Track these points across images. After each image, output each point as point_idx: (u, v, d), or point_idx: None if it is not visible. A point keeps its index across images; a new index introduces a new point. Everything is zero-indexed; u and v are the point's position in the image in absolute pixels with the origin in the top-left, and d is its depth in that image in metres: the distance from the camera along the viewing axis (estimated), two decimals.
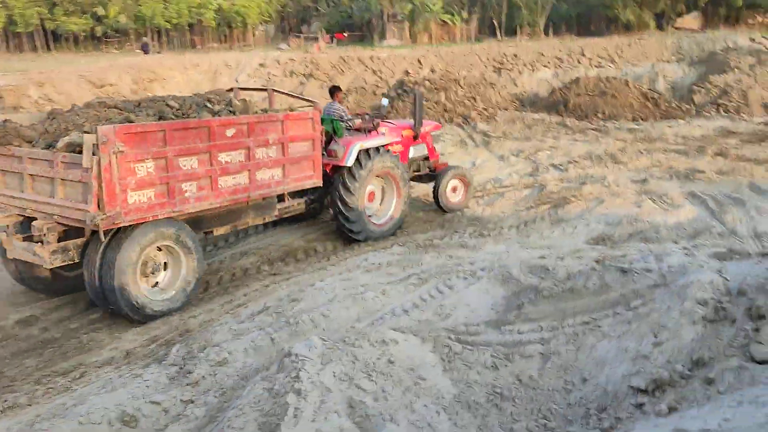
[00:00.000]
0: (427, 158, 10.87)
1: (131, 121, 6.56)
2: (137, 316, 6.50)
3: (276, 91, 9.61)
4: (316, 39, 65.61)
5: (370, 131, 9.58)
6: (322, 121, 8.75)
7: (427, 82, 21.17)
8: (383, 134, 9.67)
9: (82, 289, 6.81)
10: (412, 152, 10.45)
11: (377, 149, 9.27)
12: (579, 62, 25.04)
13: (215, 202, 7.07)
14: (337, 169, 8.96)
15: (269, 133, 7.55)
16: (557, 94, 21.09)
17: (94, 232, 6.19)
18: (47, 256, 6.24)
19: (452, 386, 4.42)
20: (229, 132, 7.07)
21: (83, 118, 6.80)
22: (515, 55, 25.58)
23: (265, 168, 7.58)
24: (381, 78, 25.06)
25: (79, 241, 6.52)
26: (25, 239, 6.69)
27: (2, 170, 6.87)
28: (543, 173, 13.40)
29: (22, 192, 6.66)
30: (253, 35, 74.33)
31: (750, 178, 12.20)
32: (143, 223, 6.42)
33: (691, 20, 62.58)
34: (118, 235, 6.37)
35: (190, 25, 67.37)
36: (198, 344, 5.49)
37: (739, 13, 61.43)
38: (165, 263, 6.92)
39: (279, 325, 5.77)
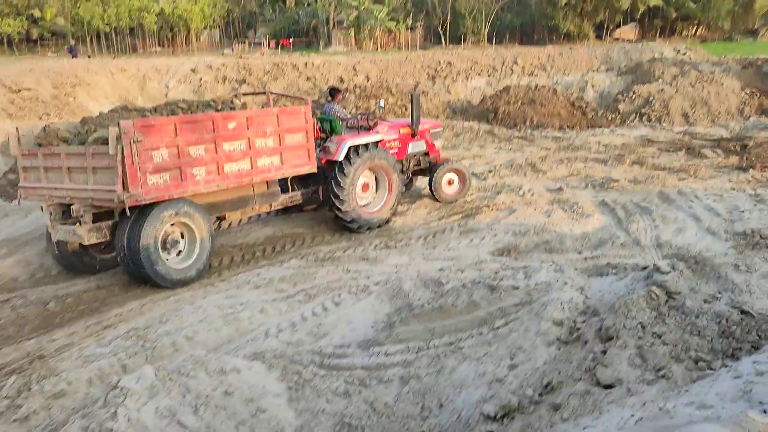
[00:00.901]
0: (426, 154, 11.73)
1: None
2: (161, 281, 7.66)
3: (273, 93, 10.50)
4: (261, 44, 64.97)
5: (368, 129, 10.52)
6: (322, 120, 10.20)
7: (357, 90, 20.93)
8: (379, 132, 10.59)
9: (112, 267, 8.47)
10: (411, 148, 11.35)
11: (367, 145, 10.03)
12: (512, 71, 25.26)
13: (222, 185, 8.18)
14: (331, 163, 9.76)
15: (266, 126, 8.63)
16: (487, 102, 21.16)
17: (122, 213, 7.44)
18: (85, 234, 7.49)
19: (295, 417, 4.11)
20: (231, 125, 8.20)
21: (108, 120, 8.13)
22: (450, 63, 25.62)
23: (265, 156, 8.66)
24: (315, 84, 24.73)
25: (110, 222, 7.75)
26: (65, 224, 7.95)
27: (45, 167, 8.05)
28: None
29: (62, 183, 7.85)
30: (197, 40, 73.10)
31: (661, 187, 12.31)
32: (161, 201, 7.57)
33: (628, 31, 64.45)
34: (141, 212, 7.48)
35: (132, 29, 65.54)
36: (38, 374, 5.03)
37: (673, 24, 63.60)
38: (182, 238, 8.08)
39: (135, 350, 5.36)
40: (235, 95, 10.32)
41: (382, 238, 9.81)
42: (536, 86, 21.39)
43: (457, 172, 11.64)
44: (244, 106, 9.19)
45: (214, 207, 8.50)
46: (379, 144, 10.39)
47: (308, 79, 25.17)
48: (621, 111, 19.97)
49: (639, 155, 15.42)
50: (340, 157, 9.66)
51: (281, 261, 8.53)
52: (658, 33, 63.81)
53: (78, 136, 8.07)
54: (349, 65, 25.87)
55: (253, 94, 11.50)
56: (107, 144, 7.09)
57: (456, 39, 64.84)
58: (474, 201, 11.76)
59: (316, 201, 10.34)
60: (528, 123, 19.35)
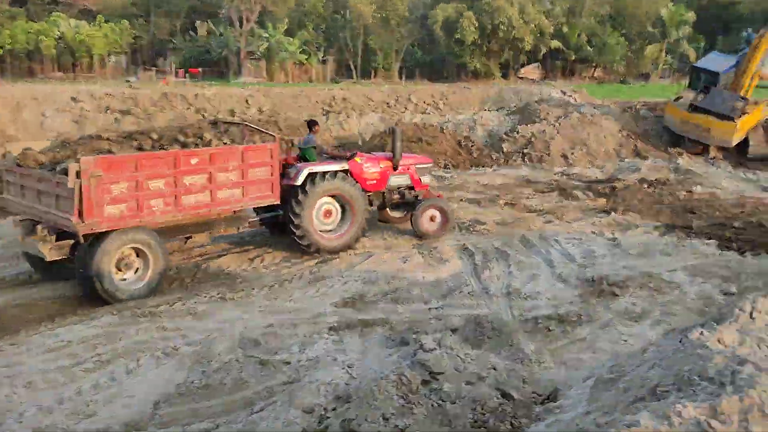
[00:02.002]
0: (412, 188, 11.95)
1: (113, 152, 8.48)
2: (108, 299, 8.17)
3: (247, 125, 11.07)
4: (173, 73, 63.16)
5: (346, 159, 10.99)
6: (302, 149, 10.97)
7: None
8: (356, 163, 11.02)
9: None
10: (392, 180, 11.68)
11: (325, 173, 10.40)
12: (406, 108, 25.31)
13: (179, 215, 8.76)
14: (292, 188, 10.19)
15: (230, 161, 9.13)
16: (376, 139, 20.98)
17: (85, 235, 7.91)
18: (47, 252, 8.12)
19: None
20: (193, 161, 8.72)
21: (83, 147, 8.66)
22: (344, 99, 25.41)
23: (226, 188, 9.16)
24: (204, 116, 23.79)
25: (71, 241, 8.22)
26: (32, 239, 8.44)
27: (22, 185, 8.69)
28: None
29: (33, 203, 8.50)
30: (102, 67, 70.30)
31: (526, 231, 12.28)
32: (117, 229, 8.18)
33: (532, 70, 67.13)
34: (97, 238, 8.03)
35: (30, 53, 62.30)
36: None
37: (573, 66, 66.78)
38: (137, 259, 8.56)
39: None
40: (213, 122, 10.78)
41: (221, 287, 9.12)
42: (423, 124, 21.44)
43: (440, 209, 11.82)
44: (215, 135, 9.66)
45: (176, 230, 9.19)
46: (347, 174, 10.76)
47: (198, 110, 24.26)
48: (505, 151, 20.25)
49: (514, 196, 15.51)
50: (298, 182, 10.16)
51: (93, 317, 7.69)
52: (559, 73, 66.87)
53: (53, 160, 8.60)
54: (242, 97, 25.18)
55: (229, 123, 11.27)
56: None
57: (367, 73, 65.48)
58: None
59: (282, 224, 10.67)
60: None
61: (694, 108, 20.34)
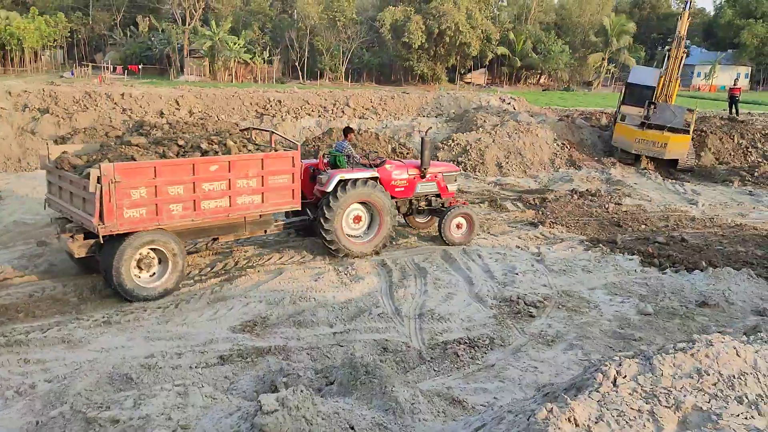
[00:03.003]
0: (438, 195, 12.14)
1: (135, 159, 8.63)
2: (127, 296, 8.55)
3: (274, 133, 11.01)
4: (108, 69, 60.87)
5: (375, 167, 11.16)
6: (332, 154, 11.33)
7: (166, 126, 19.32)
8: (385, 171, 11.26)
9: None
10: (420, 188, 11.85)
11: (356, 181, 10.57)
12: (343, 112, 24.72)
13: (197, 219, 9.02)
14: (323, 193, 10.48)
15: (250, 169, 9.31)
16: (310, 144, 20.34)
17: (105, 235, 8.25)
18: (75, 249, 8.50)
19: None
20: (213, 168, 8.94)
21: (114, 153, 8.91)
22: (280, 102, 24.64)
23: (245, 195, 9.37)
24: (130, 117, 22.70)
25: (97, 240, 8.38)
26: (65, 235, 8.81)
27: (59, 186, 9.16)
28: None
29: (66, 202, 8.97)
30: (36, 60, 67.28)
31: (443, 246, 11.86)
32: (136, 231, 8.50)
33: (479, 76, 67.65)
34: (118, 238, 8.39)
35: None
36: None
37: (519, 72, 67.56)
38: (157, 261, 8.92)
39: None
40: (244, 129, 11.22)
41: (108, 309, 8.36)
42: (359, 129, 20.91)
43: (466, 216, 11.93)
44: (238, 143, 9.75)
45: (199, 232, 9.44)
46: (376, 181, 10.92)
47: (124, 110, 23.11)
48: (440, 159, 19.89)
49: None
50: (329, 188, 10.38)
51: None
52: (506, 79, 67.56)
53: (88, 162, 8.90)
54: (172, 98, 24.11)
55: (259, 130, 11.84)
56: None
57: (314, 75, 64.66)
58: (248, 260, 10.62)
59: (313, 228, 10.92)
60: None
61: (647, 125, 20.35)
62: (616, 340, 8.17)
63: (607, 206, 15.26)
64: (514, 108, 25.50)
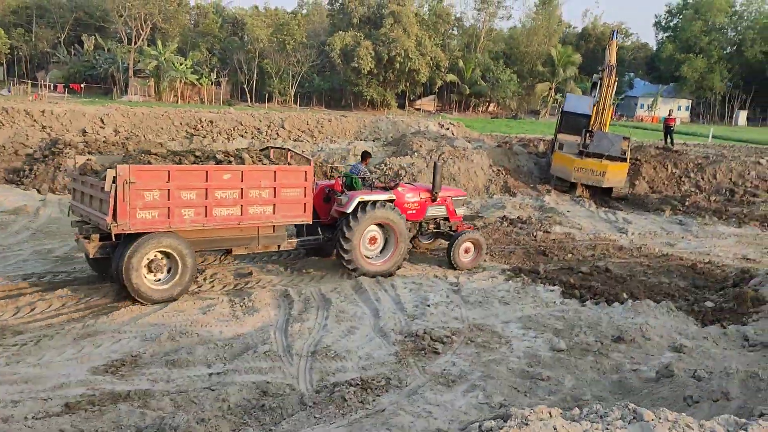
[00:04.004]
0: (447, 219, 12.42)
1: (150, 163, 8.99)
2: (138, 298, 8.80)
3: (291, 150, 11.62)
4: (47, 87, 58.72)
5: (390, 189, 11.48)
6: (347, 176, 11.42)
7: (81, 145, 18.26)
8: (399, 194, 11.55)
9: None
10: (430, 211, 12.15)
11: (375, 203, 10.80)
12: (278, 134, 24.02)
13: (208, 225, 9.17)
14: (342, 214, 10.70)
15: (262, 180, 9.51)
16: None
17: (117, 237, 8.67)
18: (91, 250, 8.99)
19: None
20: (226, 176, 9.16)
21: (133, 160, 9.26)
22: (212, 122, 23.79)
23: (257, 205, 9.56)
24: (50, 135, 21.46)
25: (112, 241, 8.84)
26: (83, 237, 9.28)
27: (81, 191, 9.57)
28: None
29: (86, 206, 9.37)
30: None
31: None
32: (147, 233, 8.76)
33: (428, 102, 67.96)
34: (130, 239, 8.72)
35: None
36: None
37: (468, 100, 68.16)
38: (167, 264, 9.11)
39: None
40: (263, 149, 11.08)
41: None
42: (289, 152, 20.20)
43: (474, 241, 12.01)
44: (252, 156, 9.95)
45: (211, 242, 9.67)
46: (393, 203, 11.19)
47: (44, 128, 21.88)
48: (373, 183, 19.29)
49: None
50: (349, 209, 10.56)
51: None
52: (455, 107, 68.08)
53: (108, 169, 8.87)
54: (97, 116, 22.98)
55: (278, 148, 12.38)
56: None
57: (263, 98, 63.88)
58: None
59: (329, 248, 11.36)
60: None
61: (585, 154, 20.20)
62: (522, 379, 7.54)
63: (535, 234, 14.86)
64: (453, 133, 25.26)
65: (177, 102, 58.75)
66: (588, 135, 20.55)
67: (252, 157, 9.90)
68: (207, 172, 9.06)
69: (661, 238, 15.73)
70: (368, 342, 8.34)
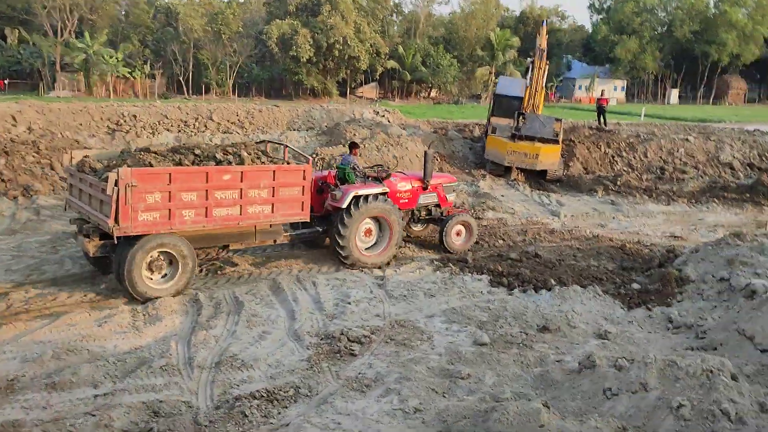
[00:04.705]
0: (438, 205, 12.55)
1: (151, 165, 8.94)
2: (138, 297, 8.85)
3: (288, 146, 11.32)
4: None
5: (382, 180, 11.43)
6: (339, 169, 11.41)
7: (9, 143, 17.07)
8: (390, 184, 11.53)
9: None
10: (422, 199, 12.24)
11: (369, 196, 10.87)
12: (206, 127, 23.04)
13: (209, 226, 9.34)
14: (337, 209, 10.69)
15: (261, 179, 9.53)
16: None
17: (119, 236, 8.64)
18: (91, 248, 8.98)
19: None
20: (226, 177, 9.25)
21: (134, 159, 9.21)
22: (135, 117, 22.61)
23: (256, 204, 9.59)
24: None
25: (112, 241, 8.75)
26: (82, 235, 9.25)
27: (79, 188, 9.55)
28: None
29: (84, 204, 9.36)
30: None
31: (286, 271, 10.61)
32: (149, 234, 8.85)
33: (370, 90, 67.32)
34: (131, 240, 8.74)
35: None
36: None
37: (409, 86, 67.84)
38: (168, 263, 9.21)
39: None
40: (259, 142, 11.28)
41: None
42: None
43: (465, 224, 12.25)
44: (251, 155, 9.92)
45: (210, 239, 9.67)
46: (386, 195, 11.21)
47: None
48: None
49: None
50: (344, 204, 10.61)
51: None
52: (397, 94, 67.66)
53: (107, 168, 8.96)
54: (8, 113, 21.51)
55: (275, 143, 12.43)
56: None
57: (200, 89, 62.00)
58: (25, 301, 8.84)
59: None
60: None
61: (518, 137, 19.95)
62: (441, 379, 7.14)
63: None
64: (388, 121, 24.76)
65: (109, 96, 56.38)
66: (520, 118, 20.36)
67: (250, 154, 9.91)
68: (207, 173, 9.07)
69: (593, 219, 15.66)
70: (280, 347, 7.80)
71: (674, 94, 74.88)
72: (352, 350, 7.73)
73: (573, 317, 8.77)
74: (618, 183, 19.25)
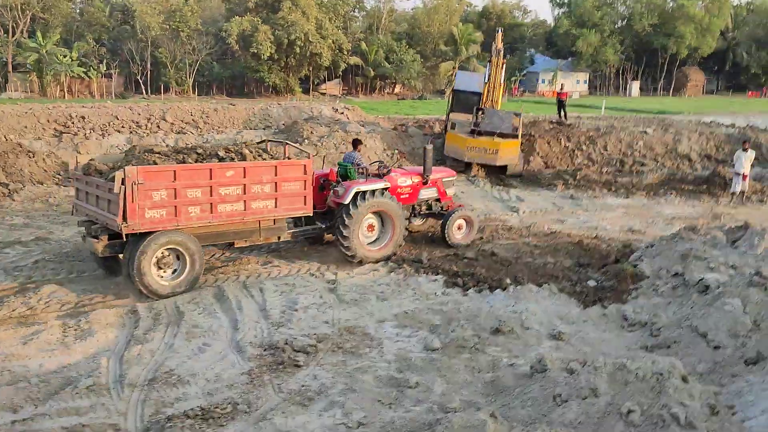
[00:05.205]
0: (438, 200, 12.74)
1: (156, 164, 9.19)
2: (148, 294, 9.03)
3: (288, 144, 11.47)
4: None
5: (383, 176, 11.62)
6: (341, 165, 11.54)
7: None
8: (390, 179, 11.66)
9: None
10: (423, 194, 12.39)
11: (373, 192, 11.00)
12: (159, 127, 22.36)
13: (214, 221, 9.53)
14: (340, 205, 10.82)
15: (263, 175, 9.79)
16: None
17: (128, 234, 8.88)
18: (100, 248, 9.24)
19: None
20: (229, 173, 9.47)
21: (139, 160, 9.43)
22: (83, 118, 21.83)
23: (259, 200, 9.85)
24: None
25: (121, 240, 9.08)
26: (90, 236, 9.53)
27: (86, 191, 9.78)
28: None
29: (92, 206, 9.59)
30: None
31: (233, 276, 10.20)
32: (156, 231, 9.04)
33: (333, 86, 66.70)
34: (140, 237, 8.97)
35: None
36: None
37: (373, 82, 67.44)
38: (176, 260, 9.39)
39: None
40: (260, 142, 11.55)
41: None
42: (166, 145, 18.73)
43: (466, 218, 12.40)
44: (252, 152, 10.30)
45: (216, 236, 9.84)
46: (387, 191, 11.33)
47: None
48: None
49: None
50: (347, 200, 10.74)
51: None
52: (361, 90, 67.14)
53: (112, 169, 9.32)
54: None
55: (276, 142, 12.65)
56: None
57: (159, 89, 60.65)
58: None
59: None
60: None
61: (477, 132, 19.73)
62: (389, 389, 6.83)
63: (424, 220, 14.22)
64: (348, 118, 24.37)
65: (64, 97, 54.82)
66: (479, 113, 20.17)
67: (252, 152, 10.23)
68: (211, 169, 9.29)
69: (552, 215, 15.53)
70: (220, 360, 7.40)
71: (635, 87, 75.83)
72: (297, 361, 7.36)
73: (527, 318, 8.53)
74: (577, 177, 19.20)
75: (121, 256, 9.60)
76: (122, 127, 22.01)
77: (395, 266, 10.97)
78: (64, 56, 55.26)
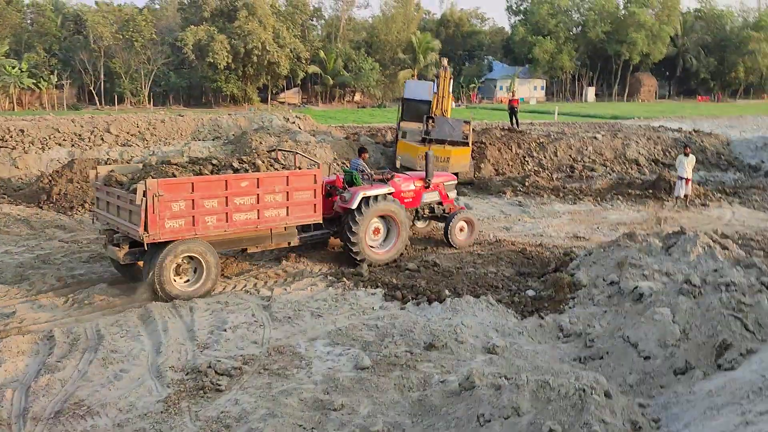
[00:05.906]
0: (440, 203, 13.25)
1: (174, 176, 9.62)
2: (167, 299, 9.42)
3: (298, 153, 12.69)
4: None
5: (387, 181, 12.06)
6: (347, 172, 12.24)
7: None
8: (394, 185, 12.08)
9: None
10: (425, 198, 12.94)
11: (377, 197, 11.46)
12: (103, 140, 21.68)
13: (229, 230, 9.99)
14: (347, 210, 11.28)
15: (276, 185, 10.28)
16: (45, 180, 17.17)
17: (148, 244, 9.26)
18: (121, 256, 9.68)
19: None
20: (243, 184, 9.95)
21: (157, 171, 9.85)
22: (22, 131, 21.04)
23: (272, 208, 10.33)
24: None
25: (141, 248, 9.46)
26: (112, 244, 9.92)
27: (107, 201, 10.20)
28: None
29: (113, 215, 9.99)
30: None
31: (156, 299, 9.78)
32: (176, 240, 9.48)
33: (292, 95, 66.27)
34: (160, 246, 9.38)
35: None
36: None
37: (332, 90, 67.20)
38: (193, 267, 9.84)
39: None
40: (270, 150, 12.27)
41: None
42: (108, 159, 18.14)
43: (467, 220, 12.95)
44: (265, 162, 10.93)
45: (230, 243, 10.45)
46: (392, 195, 11.79)
47: None
48: None
49: None
50: (354, 206, 11.13)
51: None
52: (320, 98, 66.84)
53: (132, 181, 9.77)
54: None
55: (285, 151, 13.12)
56: None
57: (114, 99, 59.38)
58: None
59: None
60: (89, 206, 15.85)
61: (428, 141, 19.60)
62: (312, 412, 6.54)
63: None
64: (299, 127, 24.05)
65: (14, 109, 53.26)
66: (429, 121, 20.09)
67: (264, 162, 10.82)
68: (226, 181, 9.70)
69: (499, 222, 15.46)
70: (136, 387, 7.01)
71: (591, 93, 77.16)
72: (219, 385, 7.02)
73: (462, 331, 8.35)
74: (526, 184, 19.23)
75: (140, 263, 10.01)
76: (63, 140, 21.29)
77: (334, 280, 10.70)
78: (13, 67, 53.70)
